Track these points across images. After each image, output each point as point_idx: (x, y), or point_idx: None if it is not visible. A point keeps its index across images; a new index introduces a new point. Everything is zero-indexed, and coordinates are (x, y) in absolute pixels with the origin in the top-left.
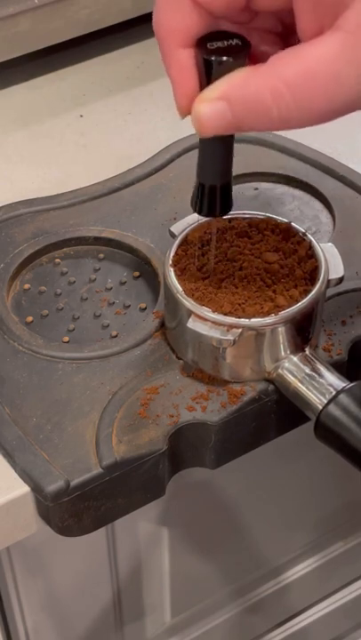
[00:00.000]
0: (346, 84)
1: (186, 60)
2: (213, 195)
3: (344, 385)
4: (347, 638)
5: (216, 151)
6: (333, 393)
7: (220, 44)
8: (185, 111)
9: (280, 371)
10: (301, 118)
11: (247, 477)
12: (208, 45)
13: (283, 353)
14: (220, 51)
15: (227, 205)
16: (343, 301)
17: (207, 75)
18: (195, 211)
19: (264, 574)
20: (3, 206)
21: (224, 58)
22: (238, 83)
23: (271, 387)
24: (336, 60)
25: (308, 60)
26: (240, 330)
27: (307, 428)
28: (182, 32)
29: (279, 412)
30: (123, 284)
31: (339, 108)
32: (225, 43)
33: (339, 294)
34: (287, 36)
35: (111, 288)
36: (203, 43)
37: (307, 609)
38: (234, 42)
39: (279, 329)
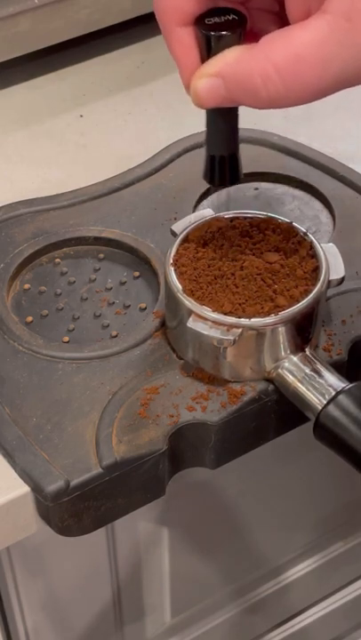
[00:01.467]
0: (333, 66)
1: (186, 37)
2: (222, 165)
3: (344, 385)
4: (347, 638)
5: (220, 123)
6: (333, 393)
7: (217, 19)
8: (189, 87)
9: (280, 371)
10: (290, 99)
11: (247, 477)
12: (206, 21)
13: (283, 353)
14: (218, 26)
15: (236, 175)
16: (343, 301)
17: (207, 50)
18: (206, 181)
19: (264, 574)
20: (3, 206)
21: (222, 32)
22: (232, 62)
23: (271, 387)
24: (323, 44)
25: (296, 45)
26: (240, 330)
27: (307, 428)
28: (182, 11)
29: (279, 412)
30: (123, 283)
31: (326, 88)
32: (222, 18)
33: (339, 294)
34: (284, 15)
35: (111, 288)
36: (201, 19)
37: (307, 609)
38: (231, 17)
39: (279, 329)
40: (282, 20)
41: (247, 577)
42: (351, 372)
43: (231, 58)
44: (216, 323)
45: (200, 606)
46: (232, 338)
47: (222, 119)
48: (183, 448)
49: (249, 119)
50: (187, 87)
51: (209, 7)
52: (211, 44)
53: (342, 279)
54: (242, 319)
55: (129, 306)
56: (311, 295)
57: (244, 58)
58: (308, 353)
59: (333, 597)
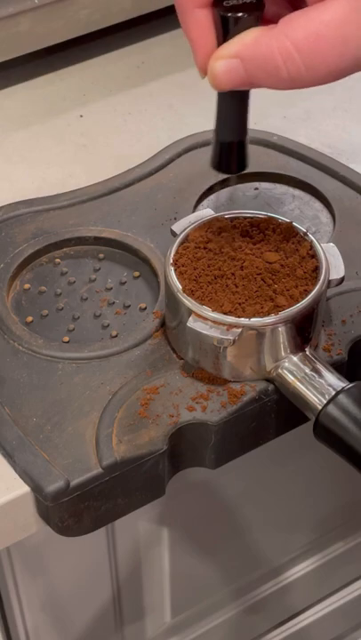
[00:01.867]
0: (353, 45)
1: (203, 19)
2: (230, 151)
3: (343, 385)
4: (347, 638)
5: (231, 108)
6: (333, 393)
7: (235, 1)
8: (204, 70)
9: (280, 370)
10: (310, 78)
11: (247, 477)
12: (224, 3)
13: (283, 353)
14: (236, 8)
15: (242, 163)
16: (343, 301)
17: (224, 32)
18: (213, 167)
19: (264, 574)
20: (3, 206)
21: (239, 14)
22: (251, 42)
23: (271, 387)
24: (344, 23)
25: (316, 24)
26: (240, 329)
27: (307, 428)
28: None
29: (279, 412)
30: (123, 283)
31: (346, 67)
32: (240, 0)
33: (339, 294)
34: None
35: (111, 288)
36: (219, 1)
37: (307, 609)
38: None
39: (279, 329)
40: (293, 6)
41: (247, 577)
42: (351, 371)
43: (250, 39)
44: (216, 322)
45: (200, 606)
46: (232, 338)
47: (234, 104)
48: (183, 448)
49: (249, 119)
50: (202, 70)
51: None
52: (229, 25)
53: (342, 279)
54: (242, 319)
55: (129, 306)
56: (311, 295)
57: (263, 38)
58: (308, 353)
59: (333, 597)
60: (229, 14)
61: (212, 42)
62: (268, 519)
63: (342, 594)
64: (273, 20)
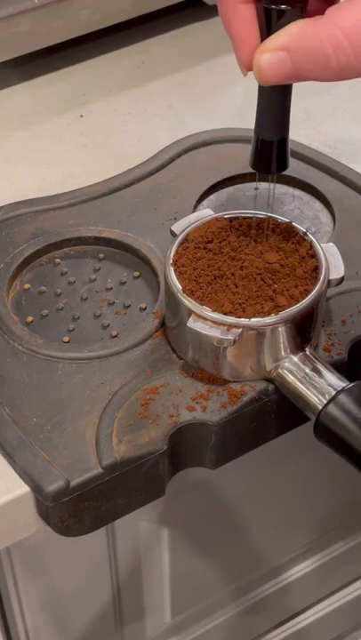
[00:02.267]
0: None
1: (247, 14)
2: (270, 150)
3: (344, 385)
4: (347, 638)
5: (274, 104)
6: (333, 393)
7: None
8: (247, 66)
9: (280, 370)
10: (360, 68)
11: (247, 477)
12: None
13: (283, 353)
14: (280, 0)
15: (283, 164)
16: (343, 301)
17: (268, 26)
18: (252, 167)
19: (264, 574)
20: (3, 206)
21: (283, 6)
22: (298, 33)
23: (271, 387)
24: None
25: None
26: (240, 329)
27: (307, 428)
28: None
29: (279, 412)
30: (123, 283)
31: None
32: None
33: (339, 294)
34: None
35: (111, 288)
36: None
37: (307, 609)
38: None
39: (279, 329)
40: (328, 1)
41: (247, 577)
42: (351, 372)
43: (297, 29)
44: (216, 323)
45: (200, 606)
46: (232, 338)
47: (276, 100)
48: (183, 448)
49: (249, 119)
50: (245, 66)
51: None
52: (273, 18)
53: (342, 279)
54: (242, 319)
55: (129, 306)
56: (311, 295)
57: (310, 28)
58: (308, 353)
59: (333, 597)
60: (274, 6)
61: (256, 36)
62: (268, 519)
63: (342, 594)
64: (309, 15)
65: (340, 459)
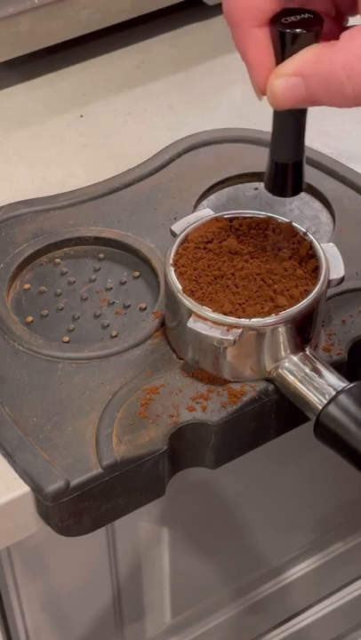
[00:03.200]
0: None
1: (261, 38)
2: (285, 173)
3: (344, 385)
4: (347, 638)
5: (288, 128)
6: (333, 393)
7: (293, 18)
8: (262, 90)
9: (280, 370)
10: None
11: (247, 477)
12: (283, 20)
13: (283, 353)
14: (295, 24)
15: (298, 186)
16: (343, 301)
17: (283, 50)
18: (267, 189)
19: (264, 574)
20: (3, 206)
21: (298, 30)
22: (312, 59)
23: (271, 387)
24: None
25: None
26: (240, 330)
27: (307, 428)
28: (256, 11)
29: (279, 412)
30: (123, 283)
31: None
32: (298, 17)
33: (339, 294)
34: (340, 18)
35: (111, 288)
36: (277, 19)
37: (307, 609)
38: (307, 16)
39: (280, 329)
40: (338, 26)
41: (247, 577)
42: (351, 372)
43: (311, 55)
44: (216, 323)
45: (200, 606)
46: (232, 338)
47: (291, 124)
48: (183, 448)
49: (249, 119)
50: (260, 90)
51: (283, 7)
52: (288, 43)
53: (342, 279)
54: (242, 319)
55: (129, 306)
56: (311, 295)
57: (325, 55)
58: (308, 353)
59: (333, 597)
60: (288, 30)
61: (271, 61)
62: (268, 519)
63: (342, 594)
64: (327, 38)
65: (340, 459)
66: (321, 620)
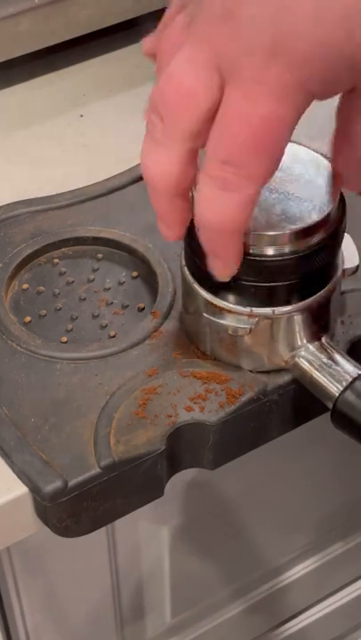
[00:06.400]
0: None
1: (181, 203)
2: None
3: (360, 372)
4: (347, 638)
5: None
6: (350, 380)
7: None
8: (176, 238)
9: (297, 359)
10: None
11: (247, 477)
12: None
13: (299, 342)
14: None
15: None
16: (343, 301)
17: None
18: None
19: (264, 574)
20: (1, 206)
21: None
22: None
23: (269, 386)
24: None
25: None
26: (256, 318)
27: (306, 428)
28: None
29: (278, 412)
30: (121, 284)
31: None
32: None
33: (338, 294)
34: None
35: (110, 288)
36: None
37: (307, 609)
38: None
39: (295, 317)
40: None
41: (247, 577)
42: None
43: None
44: (232, 312)
45: (200, 606)
46: (248, 326)
47: None
48: (181, 448)
49: None
50: (174, 238)
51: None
52: None
53: (357, 268)
54: (258, 308)
55: (127, 306)
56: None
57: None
58: (324, 341)
59: (333, 597)
60: None
61: (188, 216)
62: (268, 519)
63: (342, 594)
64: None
65: (340, 458)
66: (321, 621)
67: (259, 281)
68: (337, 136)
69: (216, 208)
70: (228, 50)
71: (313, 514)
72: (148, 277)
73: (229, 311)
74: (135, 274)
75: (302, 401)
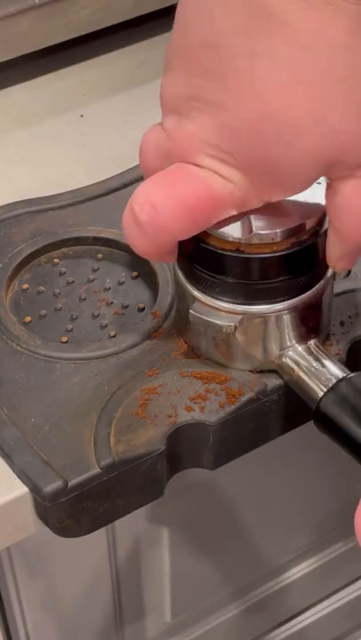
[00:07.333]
0: None
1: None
2: None
3: (345, 374)
4: (347, 638)
5: None
6: (334, 382)
7: None
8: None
9: (284, 359)
10: None
11: (247, 477)
12: None
13: (288, 342)
14: None
15: None
16: (342, 301)
17: None
18: None
19: (264, 574)
20: (1, 206)
21: None
22: None
23: (270, 387)
24: None
25: None
26: (243, 316)
27: (306, 429)
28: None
29: (278, 412)
30: (121, 284)
31: None
32: None
33: (338, 294)
34: None
35: (110, 288)
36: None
37: (307, 609)
38: None
39: (284, 317)
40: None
41: (247, 577)
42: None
43: None
44: (218, 309)
45: (200, 606)
46: (233, 324)
47: None
48: (181, 448)
49: None
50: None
51: None
52: None
53: (349, 271)
54: (245, 305)
55: (127, 306)
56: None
57: None
58: (313, 343)
59: (333, 598)
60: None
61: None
62: (268, 519)
63: (342, 594)
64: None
65: (339, 458)
66: (321, 621)
67: (244, 278)
68: None
69: (133, 239)
70: None
71: (313, 514)
72: (148, 277)
73: (216, 308)
74: (135, 274)
75: (302, 401)
